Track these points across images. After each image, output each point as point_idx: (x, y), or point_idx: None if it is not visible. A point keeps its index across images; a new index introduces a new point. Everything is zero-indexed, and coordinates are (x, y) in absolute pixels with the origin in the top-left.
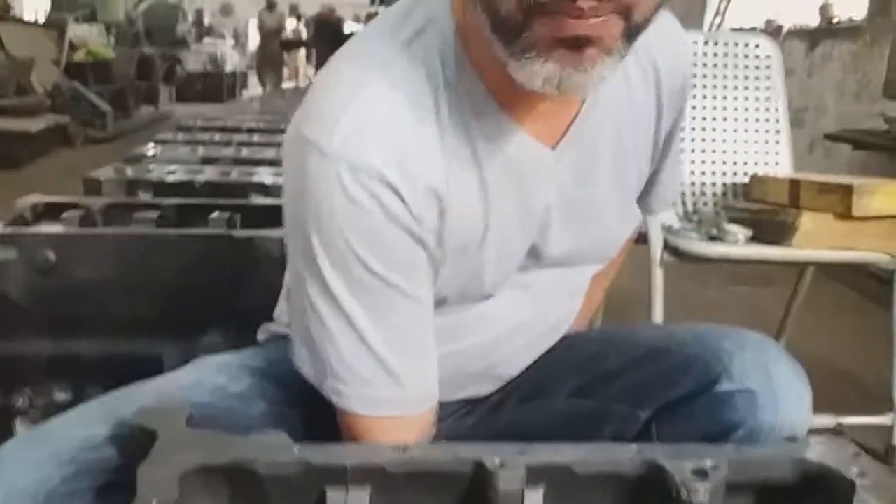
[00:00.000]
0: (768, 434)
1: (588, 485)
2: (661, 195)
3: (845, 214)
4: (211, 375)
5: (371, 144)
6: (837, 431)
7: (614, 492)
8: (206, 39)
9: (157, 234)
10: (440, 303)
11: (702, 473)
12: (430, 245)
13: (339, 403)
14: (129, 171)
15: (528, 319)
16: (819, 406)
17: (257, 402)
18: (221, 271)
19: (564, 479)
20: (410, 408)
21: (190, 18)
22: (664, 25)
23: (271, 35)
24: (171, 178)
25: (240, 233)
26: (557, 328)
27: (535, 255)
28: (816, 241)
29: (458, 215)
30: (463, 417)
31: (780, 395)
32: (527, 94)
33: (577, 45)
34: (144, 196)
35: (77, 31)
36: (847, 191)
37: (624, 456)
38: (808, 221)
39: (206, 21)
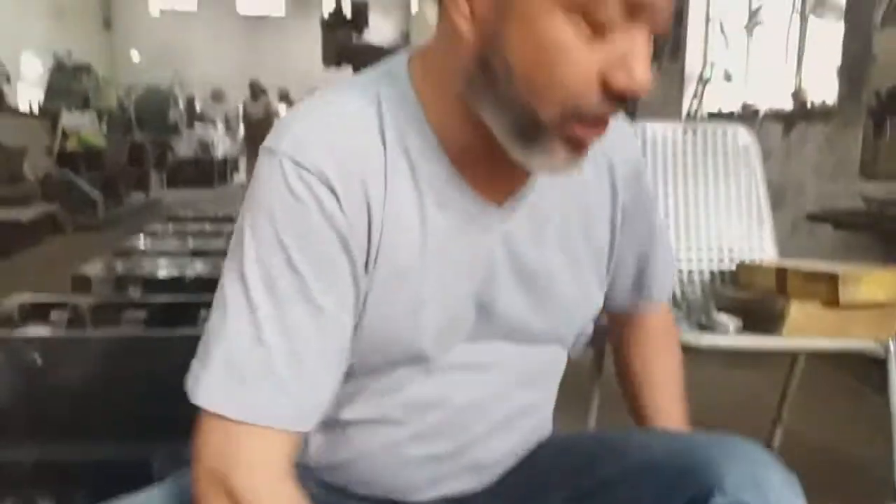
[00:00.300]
0: None
1: None
2: (659, 281)
3: (833, 303)
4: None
5: (315, 145)
6: None
7: None
8: (198, 125)
9: (145, 336)
10: (391, 365)
11: None
12: (356, 257)
13: (206, 401)
14: (119, 267)
15: (488, 398)
16: (820, 494)
17: None
18: None
19: None
20: (288, 421)
21: (181, 105)
22: (618, 127)
23: (257, 124)
24: (160, 274)
25: None
26: (525, 413)
27: (485, 314)
28: (806, 329)
29: (393, 237)
30: None
31: None
32: (478, 156)
33: (585, 144)
34: (134, 293)
35: (70, 119)
36: (833, 280)
37: None
38: (796, 310)
39: (198, 107)
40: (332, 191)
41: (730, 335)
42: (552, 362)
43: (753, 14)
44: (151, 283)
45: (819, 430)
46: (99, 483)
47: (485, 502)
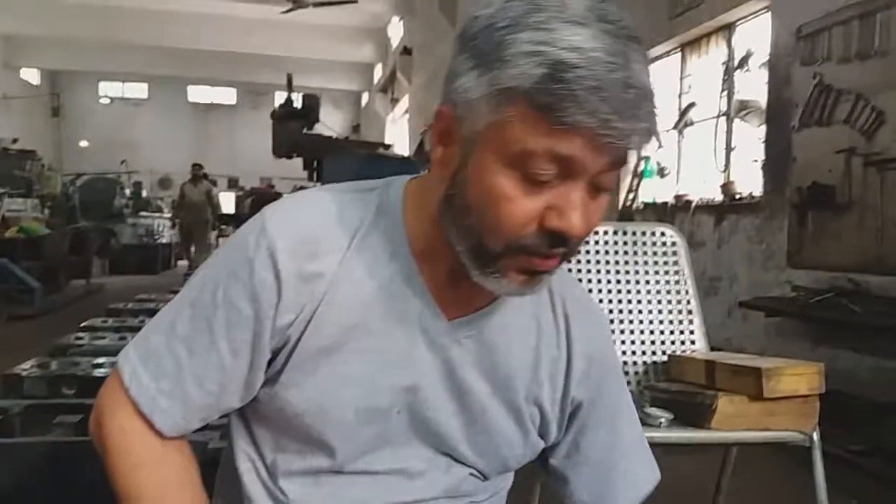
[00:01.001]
0: None
1: None
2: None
3: (758, 396)
4: None
5: (284, 221)
6: None
7: None
8: (143, 213)
9: (78, 441)
10: (314, 448)
11: None
12: (264, 319)
13: (120, 364)
14: (53, 366)
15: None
16: None
17: None
18: None
19: None
20: (156, 414)
21: (128, 191)
22: (584, 300)
23: (196, 207)
24: (97, 373)
25: None
26: None
27: (415, 419)
28: (734, 421)
29: (331, 314)
30: None
31: None
32: (442, 271)
33: (538, 273)
34: (68, 392)
35: (11, 205)
36: (757, 373)
37: None
38: (724, 403)
39: (145, 194)
40: (273, 259)
41: (662, 429)
42: (474, 487)
43: (683, 114)
44: (86, 383)
45: None
46: None
47: None
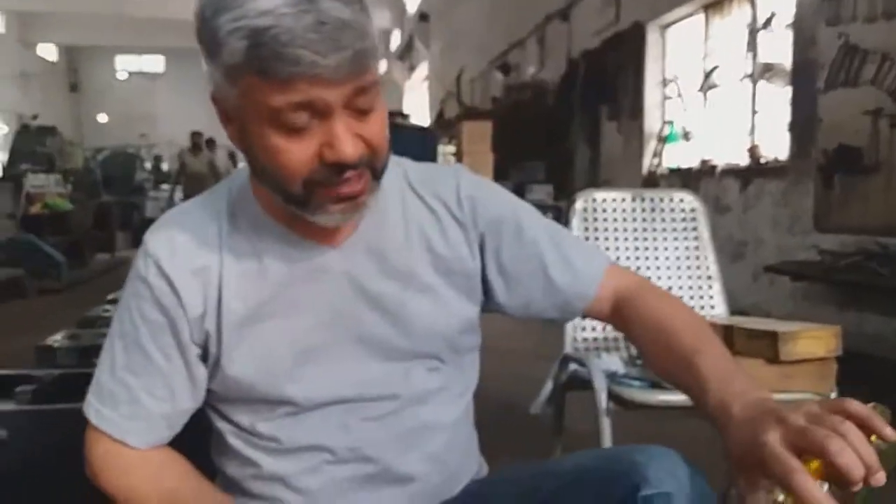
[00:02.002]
0: None
1: None
2: (569, 293)
3: (774, 359)
4: None
5: (160, 239)
6: None
7: None
8: (164, 186)
9: None
10: (277, 403)
11: None
12: (177, 319)
13: (86, 412)
14: (83, 337)
15: (386, 417)
16: None
17: None
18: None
19: None
20: (126, 435)
21: (148, 165)
22: (437, 170)
23: (197, 178)
24: None
25: None
26: (429, 429)
27: (357, 342)
28: None
29: (235, 291)
30: None
31: (689, 495)
32: (299, 218)
33: (351, 196)
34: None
35: (35, 181)
36: (773, 338)
37: None
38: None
39: (165, 167)
40: (161, 269)
41: (675, 392)
42: (439, 380)
43: (707, 77)
44: None
45: None
46: None
47: None
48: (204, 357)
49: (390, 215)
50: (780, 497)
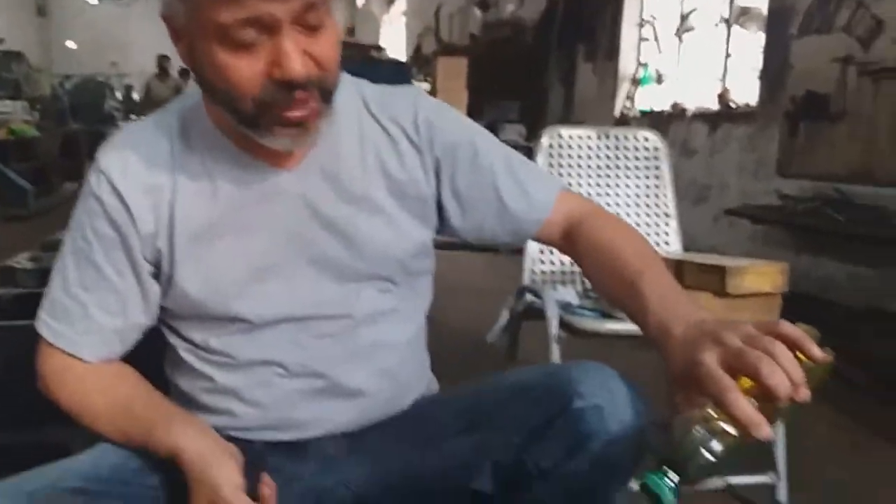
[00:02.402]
0: (616, 441)
1: None
2: (522, 219)
3: (721, 293)
4: (108, 456)
5: (112, 156)
6: (729, 492)
7: None
8: (133, 116)
9: None
10: (229, 320)
11: None
12: (128, 235)
13: (38, 328)
14: (44, 260)
15: (338, 334)
16: None
17: (153, 474)
18: (130, 357)
19: None
20: (79, 349)
21: (119, 94)
22: (394, 93)
23: (162, 105)
24: None
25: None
26: (379, 347)
27: (310, 263)
28: None
29: (187, 210)
30: (355, 466)
31: (621, 408)
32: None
33: (301, 121)
34: None
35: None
36: (721, 272)
37: None
38: None
39: (136, 97)
40: (112, 186)
41: (626, 321)
42: (391, 301)
43: (684, 20)
44: None
45: None
46: (20, 467)
47: (379, 441)
48: (156, 275)
49: (346, 139)
50: (714, 413)
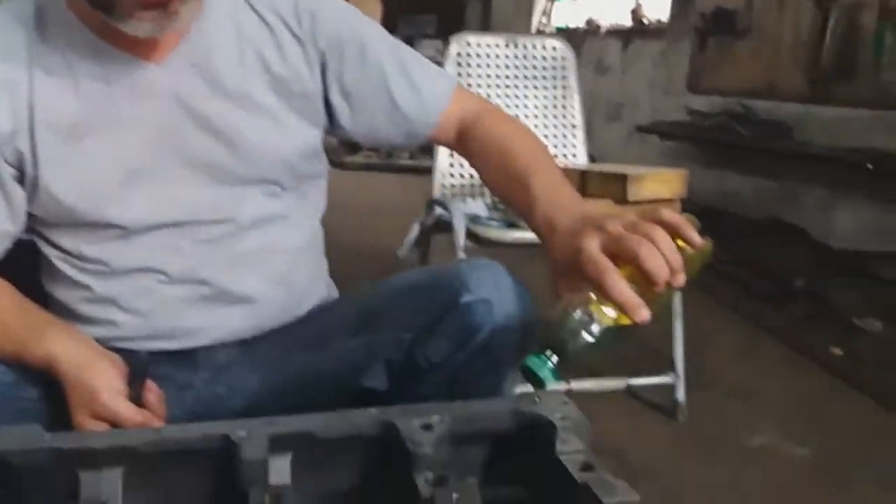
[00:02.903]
0: (503, 332)
1: (332, 447)
2: (414, 120)
3: (622, 200)
4: None
5: None
6: (629, 392)
7: (357, 451)
8: None
9: None
10: (102, 226)
11: (427, 427)
12: None
13: None
14: None
15: (221, 238)
16: (612, 371)
17: (31, 386)
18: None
19: (310, 445)
20: None
21: None
22: None
23: None
24: None
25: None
26: (268, 251)
27: (184, 163)
28: None
29: (48, 107)
30: (247, 373)
31: (508, 302)
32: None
33: (159, 3)
34: None
35: None
36: (622, 179)
37: (363, 420)
38: None
39: None
40: None
41: (525, 230)
42: (279, 206)
43: None
44: None
45: None
46: None
47: (270, 348)
48: (21, 179)
49: (220, 33)
50: (594, 297)
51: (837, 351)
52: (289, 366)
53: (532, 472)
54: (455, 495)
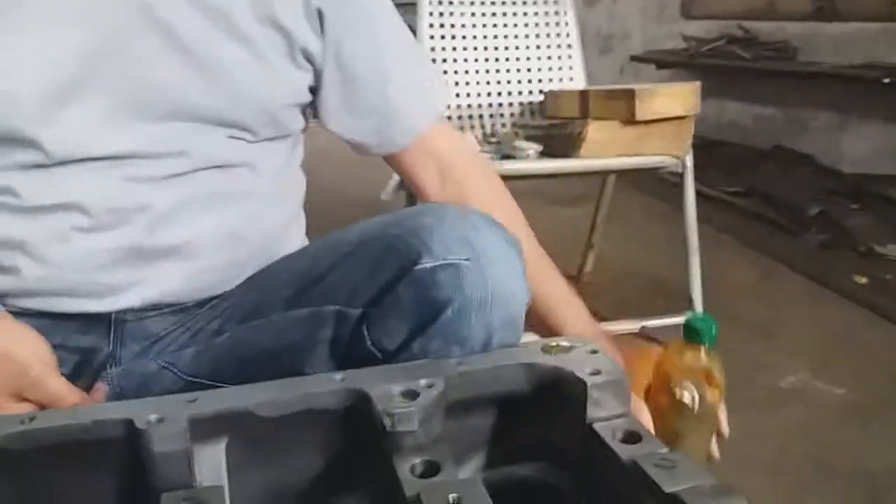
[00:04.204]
0: (480, 309)
1: (282, 429)
2: (400, 121)
3: (630, 120)
4: None
5: None
6: (643, 335)
7: (315, 432)
8: None
9: None
10: (18, 144)
11: (411, 395)
12: None
13: None
14: None
15: (169, 178)
16: (626, 312)
17: None
18: None
19: (249, 428)
20: None
21: None
22: None
23: None
24: None
25: None
26: (223, 197)
27: (121, 78)
28: (604, 149)
29: None
30: (180, 346)
31: (487, 266)
32: None
33: None
34: None
35: None
36: (630, 95)
37: (323, 389)
38: (594, 130)
39: None
40: None
41: (529, 160)
42: (243, 154)
43: None
44: None
45: (629, 254)
46: None
47: (206, 317)
48: None
49: None
50: None
51: (862, 280)
52: (225, 341)
53: (558, 447)
54: (452, 496)
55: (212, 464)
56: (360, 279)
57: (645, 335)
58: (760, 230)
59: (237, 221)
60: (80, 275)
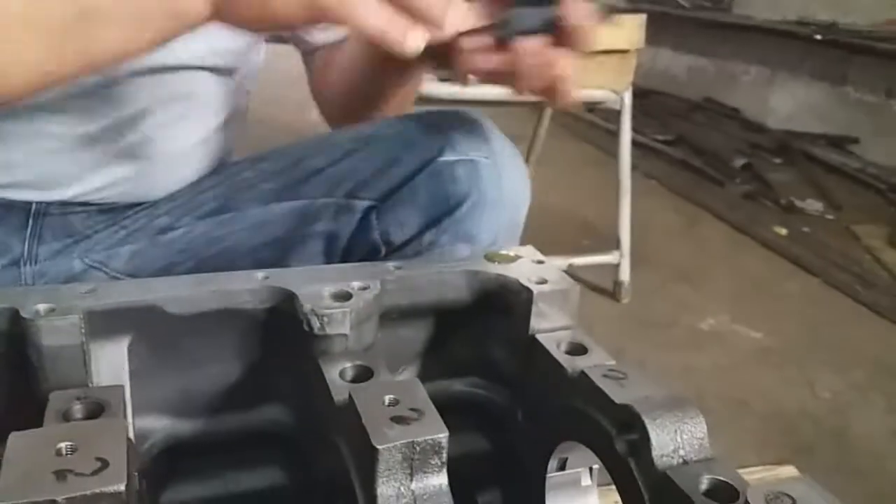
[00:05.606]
0: (493, 208)
1: (196, 330)
2: None
3: None
4: None
5: None
6: (569, 273)
7: (234, 334)
8: None
9: None
10: None
11: (342, 297)
12: None
13: None
14: None
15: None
16: (554, 251)
17: None
18: None
19: (156, 326)
20: None
21: None
22: None
23: None
24: None
25: None
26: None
27: None
28: None
29: None
30: (112, 246)
31: (502, 167)
32: None
33: None
34: None
35: None
36: None
37: (243, 286)
38: None
39: None
40: None
41: (472, 87)
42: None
43: None
44: None
45: (561, 196)
46: None
47: (169, 222)
48: None
49: None
50: None
51: (782, 231)
52: (182, 238)
53: (497, 361)
54: (388, 396)
55: (111, 364)
56: (371, 172)
57: (571, 275)
58: (687, 178)
59: (206, 131)
60: (24, 156)
